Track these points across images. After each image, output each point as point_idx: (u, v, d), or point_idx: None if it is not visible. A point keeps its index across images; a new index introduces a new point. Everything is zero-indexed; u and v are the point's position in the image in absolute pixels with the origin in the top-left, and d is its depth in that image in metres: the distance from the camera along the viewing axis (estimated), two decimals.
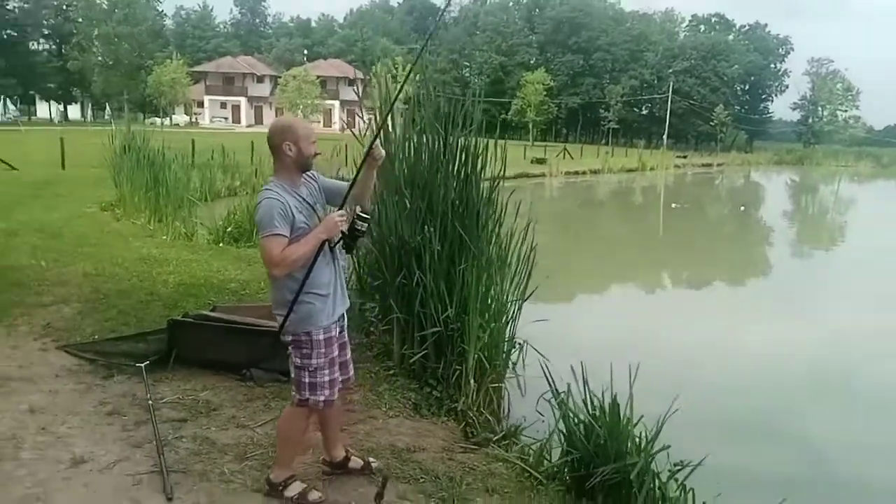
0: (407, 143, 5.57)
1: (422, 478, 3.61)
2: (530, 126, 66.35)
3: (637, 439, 3.54)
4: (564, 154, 44.36)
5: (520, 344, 5.43)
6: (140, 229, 11.24)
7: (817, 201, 36.38)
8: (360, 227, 3.00)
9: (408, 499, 3.39)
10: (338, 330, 3.22)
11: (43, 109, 77.06)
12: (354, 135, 6.25)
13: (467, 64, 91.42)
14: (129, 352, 5.04)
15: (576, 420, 3.74)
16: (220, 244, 10.48)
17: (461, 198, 5.24)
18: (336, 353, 3.20)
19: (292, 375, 3.18)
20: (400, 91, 4.86)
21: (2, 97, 56.70)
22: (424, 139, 5.44)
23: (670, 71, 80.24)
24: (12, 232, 10.07)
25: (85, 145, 23.54)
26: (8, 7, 67.88)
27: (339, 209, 3.03)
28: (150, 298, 6.74)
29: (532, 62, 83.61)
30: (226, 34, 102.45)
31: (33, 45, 73.60)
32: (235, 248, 10.10)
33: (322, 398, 3.14)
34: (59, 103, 78.20)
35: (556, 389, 3.92)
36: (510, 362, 5.41)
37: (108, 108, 62.76)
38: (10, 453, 3.62)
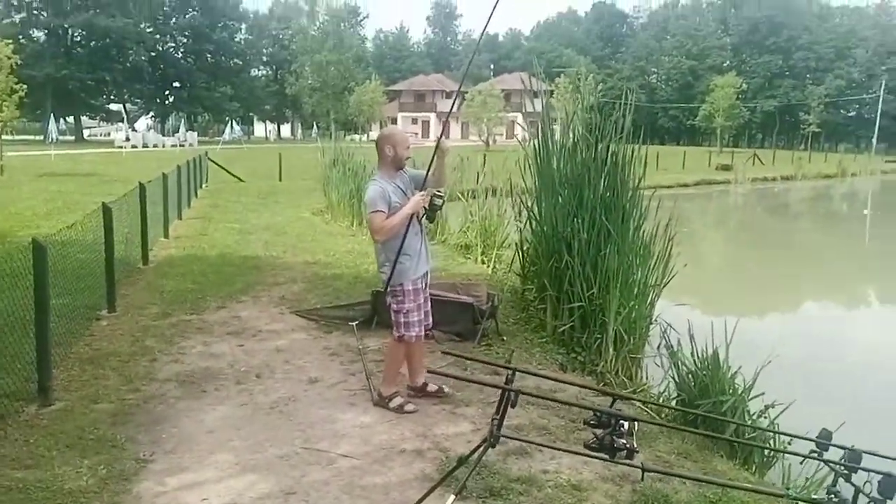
0: (563, 150, 6.64)
1: (555, 406, 4.64)
2: (718, 131, 63.71)
3: (735, 386, 4.35)
4: (754, 160, 42.47)
5: (662, 325, 6.28)
6: (345, 230, 13.22)
7: None
8: (437, 203, 4.28)
9: (545, 418, 4.45)
10: (422, 284, 4.41)
11: (259, 129, 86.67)
12: (522, 146, 7.42)
13: (655, 70, 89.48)
14: (343, 316, 6.55)
15: (685, 368, 4.60)
16: None
17: (608, 195, 6.21)
18: (422, 300, 4.39)
19: (392, 318, 4.41)
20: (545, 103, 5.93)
21: (228, 119, 64.86)
22: (578, 146, 6.48)
23: (884, 68, 73.07)
24: (247, 231, 12.37)
25: (297, 160, 26.94)
26: (235, 39, 77.24)
27: (421, 191, 4.26)
28: (356, 280, 8.34)
29: (725, 65, 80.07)
30: (419, 53, 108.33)
31: (254, 72, 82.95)
32: None
33: (413, 334, 4.39)
34: (274, 123, 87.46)
35: (669, 342, 4.80)
36: (648, 340, 6.28)
37: (315, 126, 69.34)
38: (267, 374, 5.16)
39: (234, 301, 7.24)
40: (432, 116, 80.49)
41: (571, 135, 6.69)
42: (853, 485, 2.37)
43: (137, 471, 3.56)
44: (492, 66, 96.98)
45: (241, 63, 77.09)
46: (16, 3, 59.91)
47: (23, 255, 4.49)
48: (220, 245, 10.67)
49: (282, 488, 3.45)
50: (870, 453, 2.43)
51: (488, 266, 9.74)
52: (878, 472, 2.31)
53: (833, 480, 2.50)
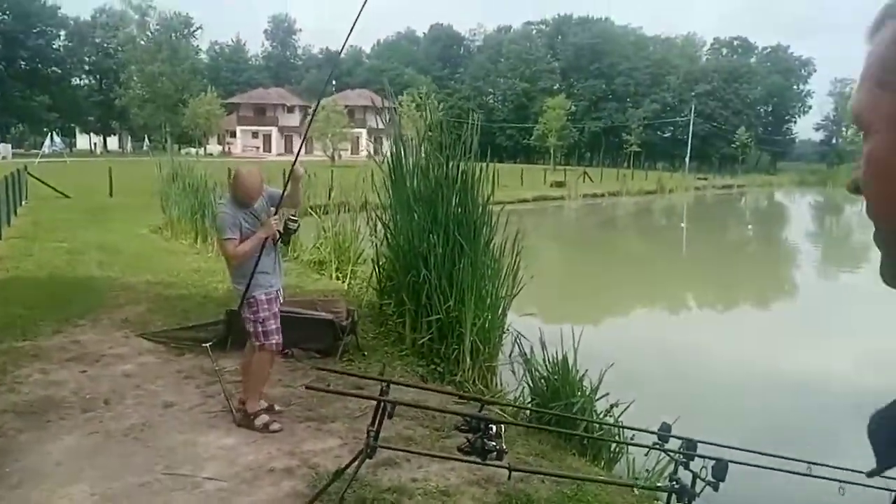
0: (416, 168, 6.84)
1: (423, 416, 4.79)
2: (551, 150, 67.59)
3: (584, 388, 4.72)
4: (584, 177, 45.45)
5: (513, 333, 6.62)
6: (188, 248, 12.65)
7: (842, 222, 36.65)
8: (291, 227, 4.40)
9: (411, 429, 4.58)
10: (276, 296, 4.49)
11: (83, 141, 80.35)
12: (376, 162, 7.54)
13: (491, 91, 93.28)
14: (195, 337, 6.31)
15: (538, 374, 4.92)
16: None
17: (460, 212, 6.48)
18: (276, 310, 4.46)
19: (250, 330, 4.46)
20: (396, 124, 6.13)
21: (47, 131, 59.61)
22: (430, 164, 6.70)
23: (692, 94, 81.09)
24: (77, 251, 11.50)
25: (128, 175, 25.36)
26: (54, 46, 71.35)
27: (274, 215, 4.39)
28: (205, 300, 8.05)
29: (555, 88, 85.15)
30: (258, 66, 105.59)
31: (75, 81, 77.01)
32: None
33: (273, 341, 4.44)
34: (99, 135, 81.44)
35: (522, 350, 5.11)
36: (501, 349, 6.60)
37: (147, 139, 65.46)
38: (116, 400, 4.89)
39: (72, 325, 6.74)
40: (273, 130, 78.74)
41: (423, 153, 6.92)
42: (691, 471, 2.70)
43: None
44: (334, 83, 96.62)
45: (59, 71, 71.36)
46: None
47: None
48: (49, 266, 9.86)
49: None
50: (704, 442, 2.77)
51: (344, 282, 9.74)
52: (711, 458, 2.65)
53: (674, 469, 2.82)
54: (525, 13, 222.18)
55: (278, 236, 4.40)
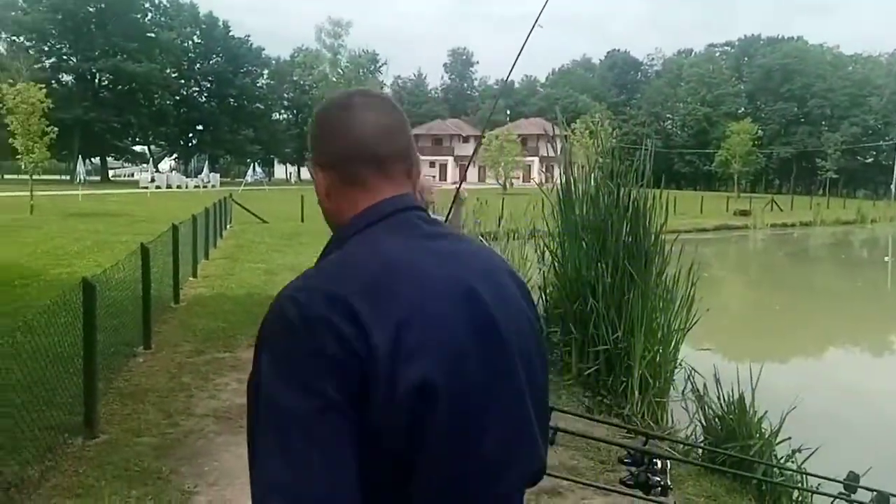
0: (586, 196, 6.83)
1: (587, 447, 4.73)
2: (735, 177, 63.91)
3: (762, 430, 4.43)
4: (772, 205, 42.49)
5: (686, 368, 6.36)
6: None
7: None
8: None
9: (575, 459, 4.55)
10: None
11: (279, 170, 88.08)
12: (542, 190, 7.63)
13: (670, 116, 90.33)
14: None
15: (711, 412, 4.69)
16: None
17: (630, 240, 6.37)
18: None
19: None
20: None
21: (250, 161, 66.07)
22: (600, 192, 6.67)
23: None
24: (272, 271, 12.60)
25: (317, 202, 27.34)
26: (258, 84, 79.15)
27: None
28: None
29: (739, 112, 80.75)
30: (436, 99, 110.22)
31: (275, 116, 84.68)
32: None
33: None
34: (294, 165, 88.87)
35: (696, 386, 4.89)
36: (672, 384, 6.36)
37: None
38: None
39: None
40: (450, 160, 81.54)
41: (593, 181, 6.89)
42: None
43: (183, 502, 3.69)
44: (508, 112, 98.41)
45: (262, 107, 78.80)
46: (46, 49, 61.91)
47: (72, 292, 4.68)
48: (248, 285, 10.90)
49: None
50: None
51: None
52: None
53: None
54: (708, 35, 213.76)
55: None
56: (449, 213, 4.62)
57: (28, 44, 59.76)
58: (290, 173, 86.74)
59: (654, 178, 6.74)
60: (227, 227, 21.17)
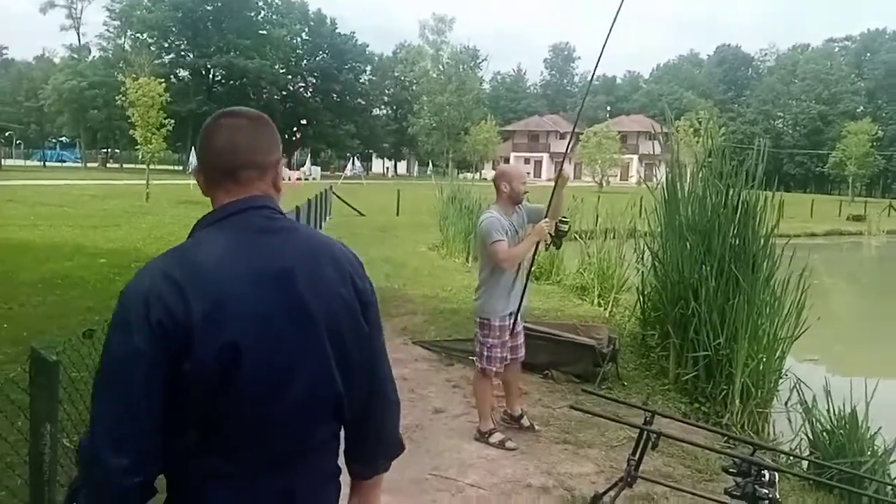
0: (692, 195, 6.60)
1: (684, 454, 4.58)
2: (849, 179, 60.09)
3: (875, 447, 4.16)
4: (889, 211, 39.69)
5: (791, 379, 6.04)
6: (460, 266, 13.50)
7: None
8: (563, 229, 4.35)
9: (671, 465, 4.41)
10: (510, 322, 4.50)
11: (377, 165, 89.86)
12: (648, 188, 7.41)
13: (781, 114, 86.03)
14: (463, 349, 6.73)
15: (819, 426, 4.44)
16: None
17: (737, 243, 6.11)
18: (507, 338, 4.49)
19: (476, 349, 4.59)
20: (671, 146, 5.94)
21: (350, 156, 67.77)
22: (707, 192, 6.42)
23: None
24: (368, 263, 12.58)
25: (413, 196, 27.77)
26: (360, 80, 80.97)
27: (545, 219, 4.37)
28: (472, 316, 8.38)
29: (858, 111, 75.93)
30: (535, 94, 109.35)
31: (375, 111, 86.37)
32: (535, 284, 11.69)
33: (493, 368, 4.50)
34: (391, 160, 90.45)
35: (802, 398, 4.64)
36: (776, 395, 6.06)
37: (430, 164, 71.11)
38: None
39: None
40: (545, 157, 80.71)
41: (700, 180, 6.64)
42: None
43: None
44: (608, 108, 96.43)
45: (364, 103, 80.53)
46: (166, 45, 65.65)
47: None
48: None
49: None
50: None
51: (605, 309, 9.67)
52: None
53: None
54: (828, 30, 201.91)
55: (549, 239, 4.45)
56: (553, 193, 4.53)
57: (150, 40, 63.59)
58: (387, 168, 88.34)
59: (764, 180, 6.44)
60: (328, 218, 21.78)
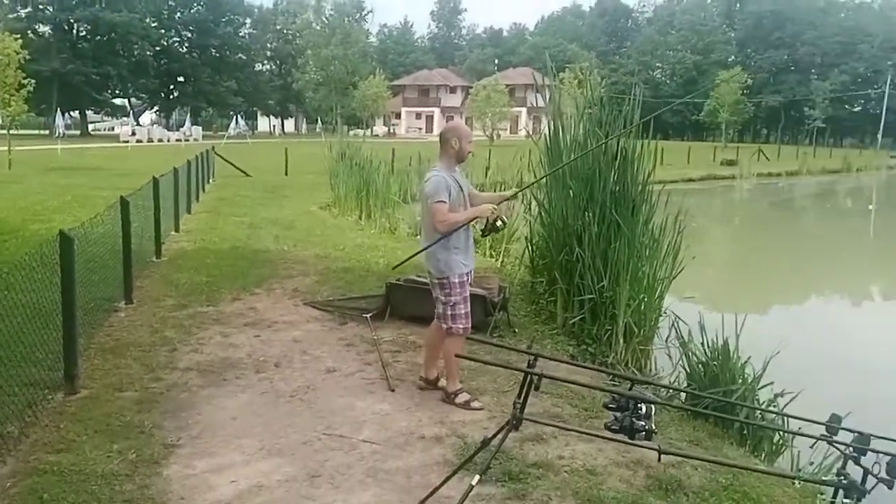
0: (574, 144, 6.73)
1: (572, 394, 4.75)
2: (723, 126, 63.55)
3: (745, 376, 4.45)
4: (759, 155, 42.42)
5: (670, 317, 6.37)
6: (353, 224, 13.33)
7: None
8: (499, 226, 4.39)
9: (559, 406, 4.56)
10: (467, 279, 4.49)
11: (263, 123, 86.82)
12: (533, 140, 7.51)
13: (659, 65, 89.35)
14: (356, 307, 6.66)
15: (695, 359, 4.70)
16: (418, 236, 12.20)
17: (617, 189, 6.31)
18: (467, 293, 4.45)
19: (438, 311, 4.47)
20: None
21: (233, 114, 65.01)
22: (588, 141, 6.57)
23: (889, 64, 72.82)
24: (256, 225, 12.46)
25: (302, 155, 27.05)
26: (240, 34, 77.31)
27: (493, 205, 4.37)
28: (366, 274, 8.44)
29: (729, 60, 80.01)
30: (423, 48, 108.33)
31: (258, 67, 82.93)
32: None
33: (460, 326, 4.40)
34: (278, 118, 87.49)
35: (680, 334, 4.90)
36: (657, 332, 6.38)
37: (319, 121, 69.41)
38: (285, 363, 5.27)
39: (249, 293, 7.34)
40: (436, 111, 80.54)
41: (581, 129, 6.79)
42: (862, 466, 2.45)
43: (166, 455, 3.67)
44: (496, 62, 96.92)
45: (245, 58, 77.10)
46: None
47: (48, 246, 4.57)
48: (231, 238, 10.78)
49: (307, 471, 3.56)
50: (879, 437, 2.52)
51: (497, 259, 9.83)
52: (887, 454, 2.39)
53: (843, 464, 2.58)
54: None
55: (485, 224, 4.40)
56: (506, 199, 4.62)
57: None
58: (274, 126, 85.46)
59: (642, 128, 6.65)
60: (210, 180, 20.88)
